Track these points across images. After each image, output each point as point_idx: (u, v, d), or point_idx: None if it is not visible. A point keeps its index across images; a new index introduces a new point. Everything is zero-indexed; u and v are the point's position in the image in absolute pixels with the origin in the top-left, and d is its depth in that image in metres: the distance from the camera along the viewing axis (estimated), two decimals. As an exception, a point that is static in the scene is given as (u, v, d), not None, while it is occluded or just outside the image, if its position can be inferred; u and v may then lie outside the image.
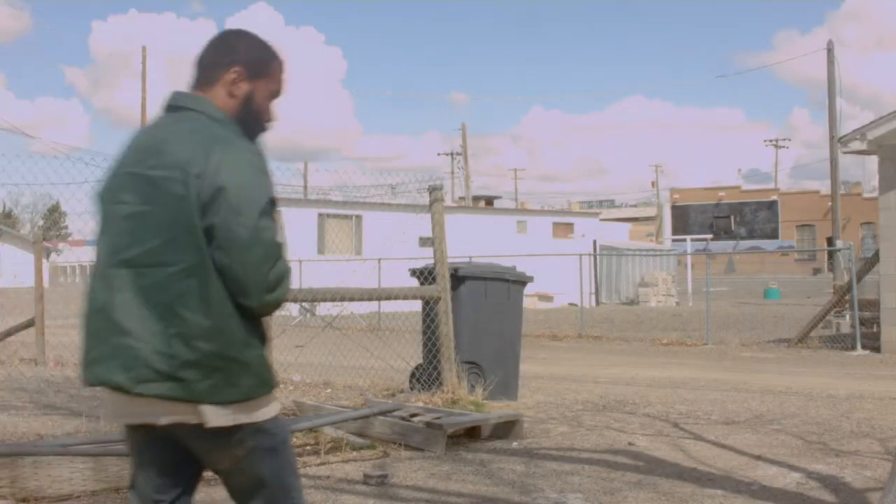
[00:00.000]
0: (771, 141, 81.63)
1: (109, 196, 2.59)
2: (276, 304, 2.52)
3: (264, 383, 2.55)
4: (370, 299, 10.14)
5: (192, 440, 2.59)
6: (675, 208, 65.81)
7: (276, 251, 2.46)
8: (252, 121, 2.65)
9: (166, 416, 2.49)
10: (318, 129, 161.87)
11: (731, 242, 61.68)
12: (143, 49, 39.55)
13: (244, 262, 2.41)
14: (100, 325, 2.52)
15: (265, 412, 2.57)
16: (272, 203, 2.49)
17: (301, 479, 2.78)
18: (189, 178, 2.42)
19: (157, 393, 2.44)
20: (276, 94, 2.73)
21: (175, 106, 2.66)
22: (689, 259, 36.13)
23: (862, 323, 15.13)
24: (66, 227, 68.20)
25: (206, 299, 2.42)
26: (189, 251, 2.42)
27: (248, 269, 2.41)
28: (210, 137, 2.49)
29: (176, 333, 2.42)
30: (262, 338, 2.56)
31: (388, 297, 9.43)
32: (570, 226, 33.59)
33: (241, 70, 2.64)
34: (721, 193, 65.89)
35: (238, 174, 2.43)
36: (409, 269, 9.35)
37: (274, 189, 2.52)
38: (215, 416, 2.47)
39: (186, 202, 2.41)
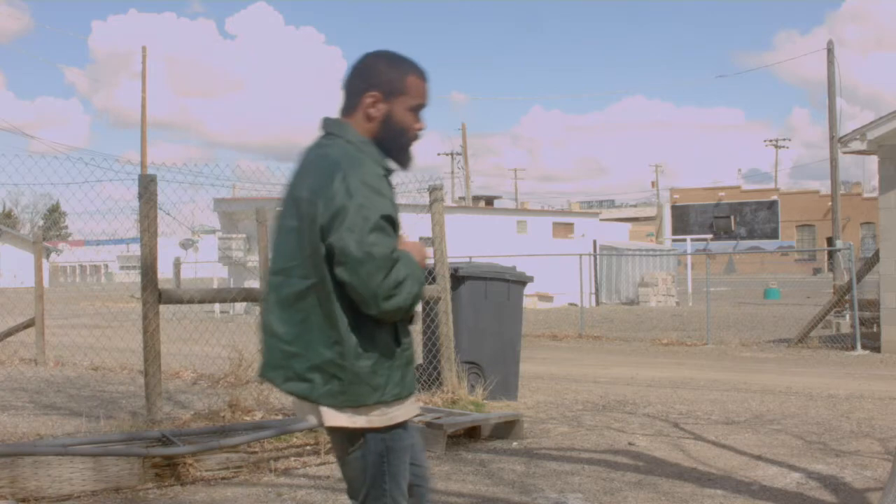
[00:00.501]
0: (771, 141, 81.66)
1: (279, 211, 2.89)
2: (399, 310, 2.66)
3: (375, 390, 2.70)
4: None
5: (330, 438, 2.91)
6: (675, 208, 65.80)
7: (387, 263, 2.61)
8: (395, 137, 2.80)
9: (307, 414, 2.83)
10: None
11: (731, 242, 61.68)
12: (143, 49, 39.58)
13: (360, 276, 2.61)
14: (262, 324, 2.85)
15: (384, 419, 2.73)
16: (386, 219, 2.64)
17: (403, 490, 2.82)
18: (318, 201, 2.66)
19: (295, 391, 2.78)
20: (417, 107, 2.83)
21: (324, 131, 2.87)
22: (689, 259, 36.11)
23: (862, 323, 15.12)
24: (66, 227, 68.24)
25: (328, 314, 2.68)
26: (315, 268, 2.68)
27: (364, 281, 2.61)
28: (339, 162, 2.69)
29: (307, 339, 2.71)
30: (383, 348, 2.70)
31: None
32: (570, 226, 33.57)
33: (376, 94, 2.78)
34: (721, 193, 65.88)
35: (353, 196, 2.62)
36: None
37: (391, 206, 2.68)
38: (331, 417, 2.73)
39: (315, 224, 2.66)
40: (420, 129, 2.83)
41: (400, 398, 2.75)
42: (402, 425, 2.79)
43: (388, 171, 2.79)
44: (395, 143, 2.80)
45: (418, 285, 2.69)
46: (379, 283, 2.60)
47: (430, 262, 2.86)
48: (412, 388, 2.80)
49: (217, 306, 25.08)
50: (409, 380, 2.79)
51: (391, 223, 2.66)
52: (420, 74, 2.84)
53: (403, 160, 2.83)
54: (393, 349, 2.72)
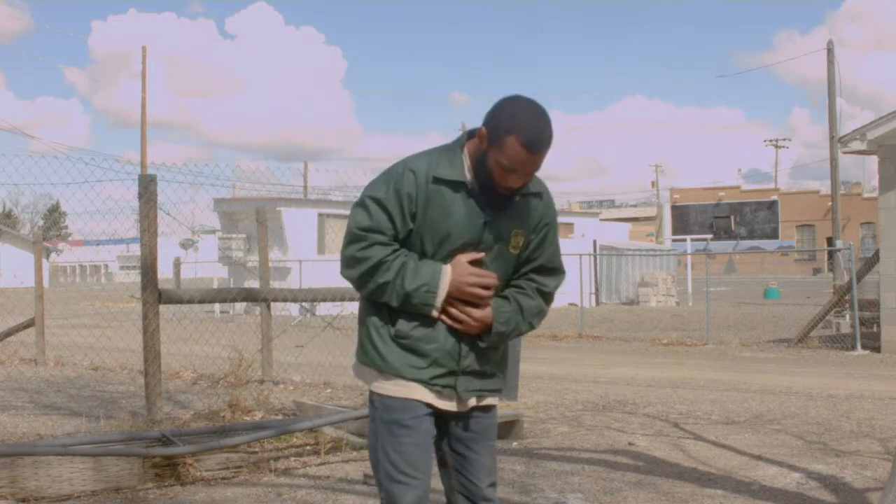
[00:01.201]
0: (771, 141, 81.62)
1: None
2: (351, 282, 2.92)
3: (363, 354, 2.96)
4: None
5: None
6: (675, 208, 65.80)
7: (349, 235, 2.87)
8: (484, 177, 2.86)
9: None
10: (319, 129, 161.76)
11: (731, 242, 61.67)
12: (143, 49, 39.59)
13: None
14: None
15: (375, 385, 2.94)
16: (372, 199, 2.85)
17: (394, 461, 2.90)
18: None
19: None
20: (504, 167, 2.81)
21: None
22: (689, 259, 36.11)
23: (862, 323, 15.12)
24: (66, 227, 68.25)
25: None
26: None
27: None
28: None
29: None
30: (376, 323, 2.91)
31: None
32: (570, 226, 33.55)
33: (483, 133, 2.85)
34: (721, 193, 65.88)
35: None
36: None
37: (386, 191, 2.84)
38: (354, 369, 3.07)
39: None
40: (509, 188, 2.84)
41: (381, 371, 2.90)
42: (397, 402, 2.89)
43: (453, 183, 2.85)
44: (484, 178, 2.86)
45: (381, 286, 2.82)
46: (342, 249, 2.89)
47: (483, 293, 2.88)
48: (406, 372, 2.87)
49: (217, 306, 25.08)
50: (398, 363, 2.88)
51: (377, 203, 2.84)
52: (526, 145, 2.77)
53: (490, 196, 2.86)
54: (384, 329, 2.89)
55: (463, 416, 2.99)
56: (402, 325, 2.87)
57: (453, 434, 3.00)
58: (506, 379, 3.09)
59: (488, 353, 2.97)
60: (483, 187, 2.86)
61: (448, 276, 2.81)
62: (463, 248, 2.86)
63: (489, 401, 3.03)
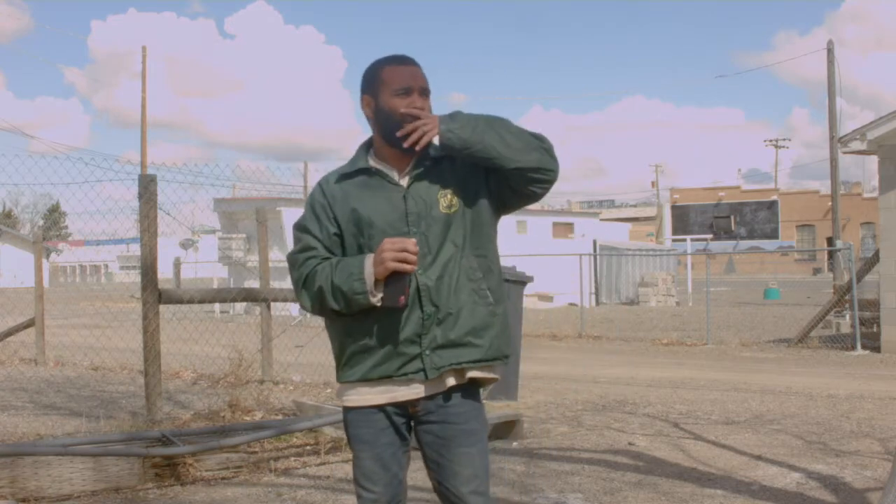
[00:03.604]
0: (771, 141, 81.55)
1: None
2: (303, 307, 2.96)
3: (337, 369, 2.96)
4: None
5: None
6: (675, 208, 65.76)
7: (289, 263, 2.98)
8: (387, 125, 2.89)
9: None
10: (318, 129, 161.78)
11: (731, 242, 61.63)
12: (143, 49, 39.56)
13: None
14: None
15: (342, 398, 2.97)
16: (296, 226, 2.99)
17: (356, 472, 2.95)
18: None
19: None
20: (401, 90, 2.88)
21: None
22: (689, 259, 36.09)
23: (862, 323, 15.11)
24: (66, 227, 68.22)
25: None
26: None
27: None
28: None
29: None
30: (339, 334, 2.92)
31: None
32: (570, 226, 33.54)
33: (366, 98, 2.96)
34: (721, 193, 65.84)
35: None
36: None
37: (304, 217, 2.98)
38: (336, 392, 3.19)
39: None
40: (410, 107, 2.84)
41: (347, 380, 2.91)
42: (354, 410, 2.92)
43: (355, 172, 2.92)
44: (390, 131, 2.87)
45: (319, 291, 2.83)
46: (292, 280, 2.95)
47: (404, 256, 2.78)
48: (371, 373, 2.85)
49: (217, 306, 25.07)
50: (366, 364, 2.85)
51: (298, 228, 2.97)
52: (394, 62, 2.92)
53: (399, 142, 2.84)
54: (345, 337, 2.90)
55: (430, 419, 2.89)
56: (357, 330, 2.86)
57: (424, 440, 2.93)
58: (494, 348, 2.88)
59: (457, 320, 2.83)
60: (391, 141, 2.86)
61: (370, 258, 2.77)
62: (395, 229, 2.82)
63: (472, 373, 2.87)
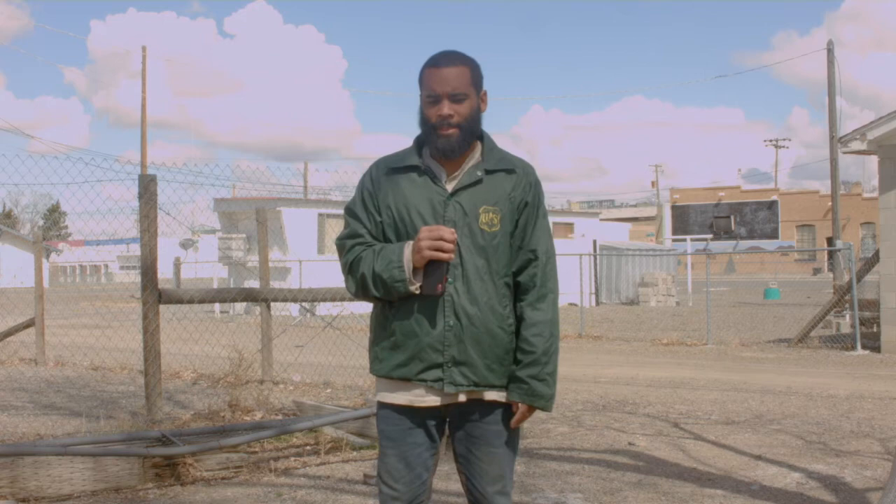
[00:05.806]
0: (771, 141, 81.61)
1: None
2: (349, 291, 2.96)
3: (371, 361, 2.99)
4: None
5: None
6: (675, 208, 65.74)
7: (337, 248, 3.01)
8: (423, 130, 2.93)
9: None
10: (318, 129, 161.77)
11: (731, 242, 61.61)
12: (143, 49, 39.57)
13: None
14: None
15: (378, 392, 2.99)
16: (346, 211, 3.01)
17: (380, 468, 2.97)
18: None
19: None
20: (430, 98, 2.87)
21: None
22: (689, 259, 36.11)
23: (862, 323, 15.11)
24: (66, 227, 68.23)
25: None
26: None
27: None
28: None
29: None
30: (376, 327, 2.95)
31: (389, 297, 9.40)
32: (570, 226, 33.54)
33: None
34: (721, 193, 65.83)
35: None
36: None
37: (353, 201, 2.99)
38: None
39: None
40: (435, 116, 2.84)
41: (380, 375, 2.93)
42: (385, 406, 2.94)
43: (404, 168, 2.92)
44: (425, 136, 2.91)
45: (362, 278, 2.85)
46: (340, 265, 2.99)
47: (440, 244, 2.76)
48: (393, 372, 2.87)
49: (217, 306, 25.08)
50: (390, 362, 2.88)
51: (349, 213, 2.98)
52: (430, 63, 2.89)
53: (434, 148, 2.89)
54: (380, 330, 2.93)
55: (463, 418, 2.94)
56: (389, 322, 2.90)
57: (455, 435, 2.98)
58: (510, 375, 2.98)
59: (480, 340, 2.86)
60: (429, 142, 2.88)
61: (409, 246, 2.80)
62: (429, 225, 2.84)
63: (490, 396, 2.91)
